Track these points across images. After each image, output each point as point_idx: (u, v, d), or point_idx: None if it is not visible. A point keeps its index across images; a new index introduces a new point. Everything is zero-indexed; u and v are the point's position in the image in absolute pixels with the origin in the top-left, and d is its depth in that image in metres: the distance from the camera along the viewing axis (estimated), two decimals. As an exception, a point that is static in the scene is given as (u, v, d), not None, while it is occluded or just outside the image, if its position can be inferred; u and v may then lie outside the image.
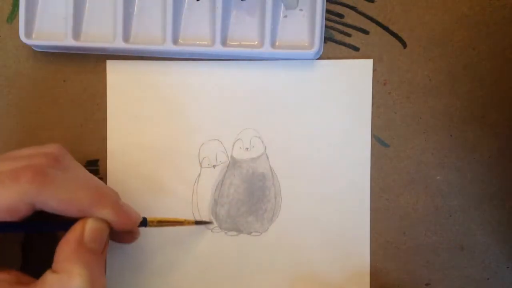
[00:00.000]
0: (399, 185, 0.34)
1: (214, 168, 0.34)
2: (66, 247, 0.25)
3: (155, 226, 0.30)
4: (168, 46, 0.32)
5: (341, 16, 0.34)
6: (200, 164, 0.34)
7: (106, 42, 0.33)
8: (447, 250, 0.34)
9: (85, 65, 0.34)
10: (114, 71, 0.34)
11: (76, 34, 0.33)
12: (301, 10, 0.33)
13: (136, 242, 0.33)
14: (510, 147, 0.33)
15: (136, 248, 0.34)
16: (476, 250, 0.34)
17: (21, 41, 0.32)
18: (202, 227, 0.34)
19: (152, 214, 0.33)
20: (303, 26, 0.33)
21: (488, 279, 0.34)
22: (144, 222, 0.30)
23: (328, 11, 0.33)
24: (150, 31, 0.33)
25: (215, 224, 0.34)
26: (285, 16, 0.33)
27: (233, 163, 0.34)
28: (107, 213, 0.27)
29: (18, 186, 0.24)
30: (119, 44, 0.32)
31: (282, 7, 0.33)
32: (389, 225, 0.34)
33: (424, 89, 0.33)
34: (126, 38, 0.33)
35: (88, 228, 0.26)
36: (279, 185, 0.34)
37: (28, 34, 0.33)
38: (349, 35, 0.34)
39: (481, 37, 0.33)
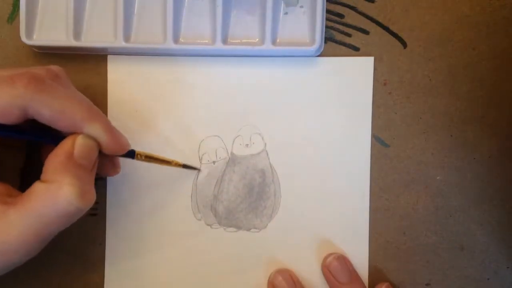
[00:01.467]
0: (399, 185, 0.34)
1: (214, 164, 0.34)
2: (56, 159, 0.25)
3: (142, 160, 0.30)
4: (169, 45, 0.32)
5: (341, 16, 0.34)
6: (200, 160, 0.34)
7: (107, 42, 0.33)
8: (447, 250, 0.34)
9: (86, 64, 0.34)
10: (115, 66, 0.34)
11: (77, 34, 0.33)
12: (301, 7, 0.33)
13: (135, 239, 0.33)
14: (510, 147, 0.33)
15: (134, 246, 0.34)
16: (476, 250, 0.34)
17: (22, 41, 0.32)
18: (195, 221, 0.34)
19: (152, 212, 0.33)
20: (304, 23, 0.33)
21: (488, 279, 0.34)
22: (132, 154, 0.30)
23: (328, 11, 0.33)
24: (151, 30, 0.33)
25: (201, 171, 0.34)
26: (286, 13, 0.33)
27: (233, 160, 0.34)
28: (98, 131, 0.26)
29: (12, 89, 0.24)
30: (120, 43, 0.33)
31: (283, 4, 0.33)
32: (389, 225, 0.34)
33: (424, 89, 0.33)
34: (127, 38, 0.33)
35: (78, 143, 0.26)
36: (279, 182, 0.34)
37: (29, 35, 0.33)
38: (349, 35, 0.34)
39: (481, 37, 0.33)
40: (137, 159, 0.30)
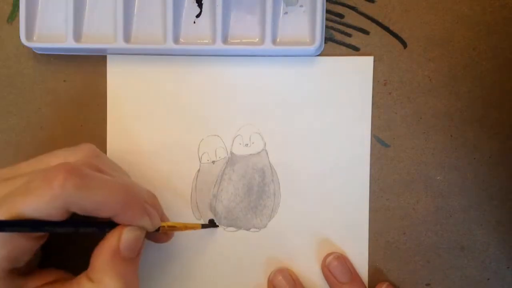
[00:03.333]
0: (399, 185, 0.34)
1: (214, 163, 0.34)
2: (102, 257, 0.25)
3: (166, 230, 0.30)
4: (169, 46, 0.32)
5: (341, 16, 0.34)
6: (200, 159, 0.34)
7: (107, 43, 0.33)
8: (447, 250, 0.34)
9: (85, 65, 0.34)
10: (115, 66, 0.34)
11: (77, 35, 0.33)
12: (301, 6, 0.33)
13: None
14: (510, 147, 0.33)
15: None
16: (476, 250, 0.34)
17: (21, 41, 0.32)
18: (196, 220, 0.34)
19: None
20: (304, 22, 0.33)
21: (488, 279, 0.34)
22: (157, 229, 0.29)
23: (328, 11, 0.33)
24: (151, 31, 0.33)
25: (220, 227, 0.34)
26: (286, 13, 0.33)
27: (233, 159, 0.34)
28: (144, 222, 0.26)
29: (50, 190, 0.23)
30: (120, 44, 0.32)
31: (283, 4, 0.33)
32: (389, 225, 0.34)
33: (424, 89, 0.33)
34: (126, 38, 0.33)
35: (124, 238, 0.25)
36: (279, 182, 0.34)
37: (29, 37, 0.33)
38: (349, 35, 0.34)
39: (481, 37, 0.33)
40: (161, 230, 0.29)
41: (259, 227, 0.34)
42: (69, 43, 0.33)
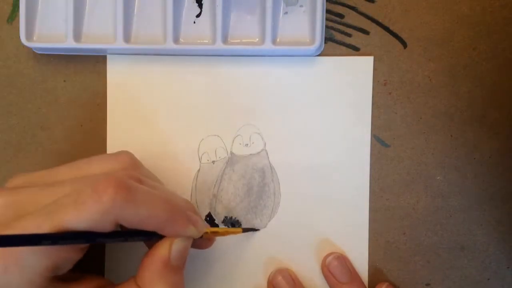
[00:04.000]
0: (399, 185, 0.34)
1: (214, 163, 0.34)
2: (153, 267, 0.25)
3: (209, 236, 0.30)
4: (169, 46, 0.32)
5: (341, 16, 0.34)
6: (200, 159, 0.34)
7: (107, 43, 0.33)
8: (448, 250, 0.34)
9: (85, 65, 0.34)
10: (115, 66, 0.34)
11: (77, 35, 0.33)
12: (301, 6, 0.33)
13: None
14: (510, 147, 0.33)
15: (134, 245, 0.34)
16: (476, 250, 0.34)
17: (21, 41, 0.32)
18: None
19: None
20: (304, 22, 0.33)
21: (488, 279, 0.34)
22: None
23: (328, 11, 0.33)
24: (151, 31, 0.33)
25: (258, 230, 0.34)
26: (286, 13, 0.33)
27: (233, 159, 0.34)
28: (192, 232, 0.26)
29: (99, 204, 0.23)
30: (120, 44, 0.32)
31: (282, 4, 0.33)
32: (389, 225, 0.34)
33: (424, 89, 0.33)
34: (126, 38, 0.33)
35: (175, 248, 0.26)
36: (278, 182, 0.34)
37: (29, 37, 0.33)
38: (349, 35, 0.34)
39: (481, 37, 0.33)
40: (205, 236, 0.29)
41: (259, 227, 0.34)
42: (69, 43, 0.33)
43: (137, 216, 0.24)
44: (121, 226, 0.25)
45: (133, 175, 0.26)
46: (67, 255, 0.24)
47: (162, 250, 0.25)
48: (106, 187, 0.23)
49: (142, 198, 0.24)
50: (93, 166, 0.27)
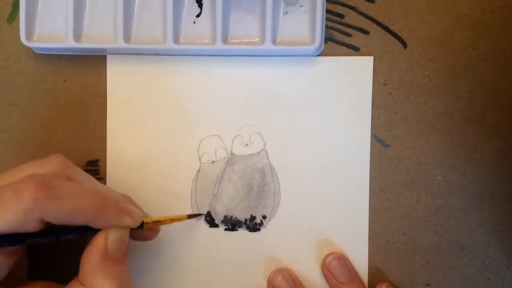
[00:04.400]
0: (399, 185, 0.34)
1: (214, 163, 0.34)
2: (91, 260, 0.25)
3: (151, 226, 0.30)
4: (169, 45, 0.32)
5: (341, 16, 0.34)
6: (200, 159, 0.34)
7: (107, 43, 0.33)
8: (448, 250, 0.34)
9: (85, 65, 0.34)
10: (115, 66, 0.34)
11: (77, 35, 0.33)
12: (301, 6, 0.33)
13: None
14: (510, 147, 0.33)
15: (134, 245, 0.34)
16: (476, 250, 0.34)
17: (21, 41, 0.32)
18: (195, 221, 0.34)
19: (151, 211, 0.33)
20: (304, 22, 0.33)
21: (488, 279, 0.34)
22: (141, 225, 0.29)
23: (328, 11, 0.33)
24: (151, 31, 0.33)
25: (203, 214, 0.34)
26: (286, 13, 0.33)
27: (233, 159, 0.34)
28: (126, 221, 0.26)
29: (21, 203, 0.23)
30: (120, 44, 0.32)
31: (283, 4, 0.33)
32: (389, 225, 0.34)
33: (424, 89, 0.33)
34: (126, 38, 0.33)
35: (111, 239, 0.26)
36: (278, 182, 0.34)
37: (29, 37, 0.33)
38: (349, 35, 0.34)
39: (481, 37, 0.33)
40: (146, 226, 0.29)
41: (259, 227, 0.34)
42: (69, 43, 0.33)
43: (62, 210, 0.24)
44: (52, 224, 0.25)
45: (61, 174, 0.26)
46: None
47: (98, 242, 0.25)
48: (27, 186, 0.23)
49: (66, 193, 0.24)
50: (23, 171, 0.26)
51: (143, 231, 0.29)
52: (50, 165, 0.27)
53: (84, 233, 0.26)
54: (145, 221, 0.29)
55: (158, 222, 0.31)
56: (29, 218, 0.23)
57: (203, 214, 0.34)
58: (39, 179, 0.24)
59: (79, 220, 0.25)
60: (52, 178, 0.24)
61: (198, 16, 0.34)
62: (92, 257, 0.25)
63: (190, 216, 0.33)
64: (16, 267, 0.28)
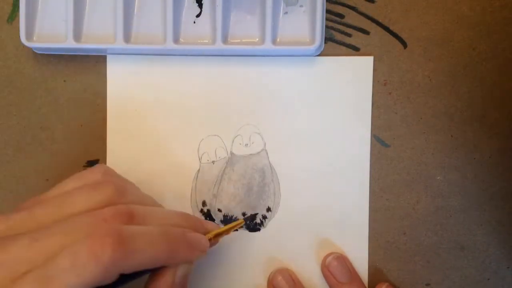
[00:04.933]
0: (399, 185, 0.34)
1: (213, 163, 0.34)
2: None
3: (214, 240, 0.29)
4: (169, 45, 0.32)
5: (341, 16, 0.34)
6: (200, 159, 0.34)
7: (107, 43, 0.33)
8: (448, 250, 0.34)
9: (85, 65, 0.34)
10: (115, 66, 0.34)
11: (77, 35, 0.33)
12: (301, 6, 0.33)
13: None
14: (510, 147, 0.33)
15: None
16: (477, 250, 0.34)
17: (21, 41, 0.32)
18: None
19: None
20: (304, 22, 0.33)
21: (488, 279, 0.34)
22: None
23: (328, 11, 0.33)
24: (151, 31, 0.33)
25: (257, 213, 0.34)
26: (286, 13, 0.33)
27: (233, 159, 0.34)
28: (189, 257, 0.26)
29: (100, 266, 0.22)
30: (120, 44, 0.32)
31: (283, 4, 0.33)
32: (389, 225, 0.34)
33: (425, 89, 0.33)
34: (126, 38, 0.33)
35: (179, 274, 0.26)
36: (278, 182, 0.34)
37: (29, 37, 0.33)
38: (349, 35, 0.34)
39: (481, 37, 0.33)
40: (210, 241, 0.29)
41: (259, 227, 0.34)
42: (69, 43, 0.33)
43: (139, 264, 0.24)
44: None
45: (122, 211, 0.25)
46: None
47: (167, 277, 0.25)
48: (103, 245, 0.22)
49: (140, 245, 0.24)
50: (76, 203, 0.25)
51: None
52: (105, 193, 0.26)
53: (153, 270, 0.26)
54: (206, 237, 0.28)
55: (219, 235, 0.30)
56: (107, 276, 0.23)
57: (257, 214, 0.34)
58: (113, 234, 0.23)
59: (154, 267, 0.25)
60: (123, 228, 0.23)
61: (198, 16, 0.34)
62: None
63: (246, 219, 0.33)
64: None
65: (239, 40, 0.33)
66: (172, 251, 0.25)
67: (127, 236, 0.23)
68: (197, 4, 0.34)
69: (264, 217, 0.34)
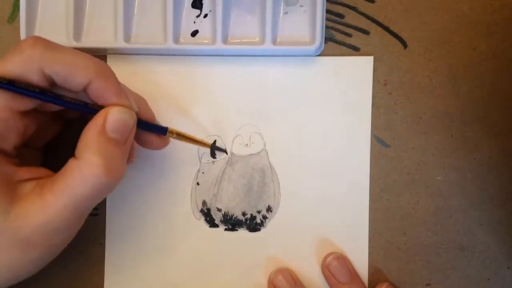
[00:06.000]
0: (399, 185, 0.34)
1: (214, 163, 0.34)
2: (87, 134, 0.25)
3: (173, 137, 0.31)
4: (169, 45, 0.32)
5: (341, 16, 0.34)
6: (200, 159, 0.34)
7: (107, 43, 0.33)
8: (448, 250, 0.34)
9: (86, 65, 0.34)
10: (115, 66, 0.34)
11: (77, 35, 0.33)
12: (301, 6, 0.33)
13: (135, 240, 0.33)
14: (510, 147, 0.33)
15: (134, 246, 0.34)
16: (477, 250, 0.34)
17: (22, 41, 0.32)
18: (195, 221, 0.34)
19: (151, 211, 0.33)
20: (304, 22, 0.33)
21: (488, 279, 0.34)
22: (164, 130, 0.30)
23: (328, 11, 0.33)
24: (151, 31, 0.33)
25: (228, 155, 0.34)
26: (286, 13, 0.33)
27: (233, 159, 0.34)
28: (116, 93, 0.26)
29: (21, 55, 0.24)
30: (120, 44, 0.33)
31: (283, 4, 0.33)
32: (390, 225, 0.34)
33: (425, 89, 0.33)
34: (127, 38, 0.33)
35: (111, 118, 0.26)
36: (278, 182, 0.34)
37: (29, 36, 0.33)
38: (349, 35, 0.34)
39: (481, 37, 0.33)
40: (169, 135, 0.30)
41: (259, 227, 0.34)
42: (69, 43, 0.33)
43: (61, 62, 0.25)
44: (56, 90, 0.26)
45: (41, 38, 0.26)
46: (4, 116, 0.25)
47: (97, 119, 0.26)
48: (26, 40, 0.25)
49: (65, 50, 0.25)
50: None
51: (156, 136, 0.30)
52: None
53: (86, 108, 0.26)
54: (169, 129, 0.30)
55: (181, 136, 0.31)
56: (29, 67, 0.24)
57: (226, 153, 0.34)
58: (37, 36, 0.25)
59: (78, 77, 0.25)
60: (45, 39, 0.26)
61: (198, 16, 0.34)
62: (89, 131, 0.25)
63: (213, 147, 0.33)
64: (31, 157, 0.29)
65: (239, 40, 0.33)
66: (100, 71, 0.26)
67: (51, 41, 0.25)
68: (197, 4, 0.34)
69: (264, 217, 0.34)
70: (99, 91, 0.26)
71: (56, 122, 0.31)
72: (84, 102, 0.27)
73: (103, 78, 0.26)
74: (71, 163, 0.25)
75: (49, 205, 0.25)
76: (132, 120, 0.27)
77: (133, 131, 0.27)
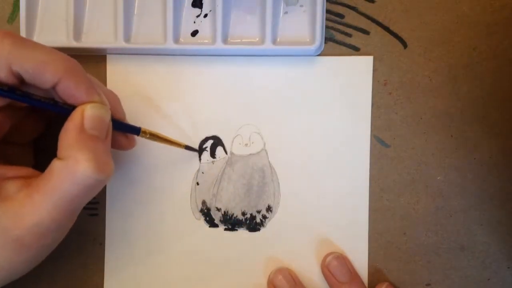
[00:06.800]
0: (399, 186, 0.34)
1: (214, 163, 0.34)
2: (68, 134, 0.25)
3: (147, 137, 0.30)
4: (169, 45, 0.32)
5: (341, 16, 0.34)
6: (200, 159, 0.34)
7: (107, 43, 0.33)
8: (448, 250, 0.34)
9: (85, 65, 0.34)
10: (115, 66, 0.34)
11: (77, 35, 0.33)
12: (301, 6, 0.33)
13: (135, 239, 0.33)
14: (510, 147, 0.33)
15: (134, 246, 0.34)
16: (477, 250, 0.34)
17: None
18: (195, 221, 0.34)
19: (151, 211, 0.33)
20: (304, 22, 0.33)
21: (488, 279, 0.34)
22: (137, 130, 0.30)
23: (328, 11, 0.33)
24: (151, 31, 0.33)
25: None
26: (286, 13, 0.33)
27: (232, 159, 0.34)
28: (87, 90, 0.26)
29: None
30: (120, 44, 0.33)
31: (283, 4, 0.33)
32: (390, 225, 0.34)
33: (425, 89, 0.33)
34: (127, 38, 0.33)
35: (88, 114, 0.25)
36: (278, 182, 0.34)
37: (30, 37, 0.33)
38: (349, 35, 0.34)
39: (481, 37, 0.33)
40: (142, 136, 0.30)
41: (258, 226, 0.34)
42: (69, 43, 0.33)
43: (30, 59, 0.24)
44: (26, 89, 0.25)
45: (11, 32, 0.26)
46: None
47: (75, 117, 0.25)
48: None
49: (36, 46, 0.25)
50: None
51: (123, 136, 0.29)
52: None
53: (56, 107, 0.26)
54: (142, 129, 0.30)
55: (155, 136, 0.31)
56: None
57: (197, 151, 0.34)
58: (9, 31, 0.24)
59: (47, 74, 0.25)
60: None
61: (198, 16, 0.34)
62: (69, 130, 0.25)
63: (187, 147, 0.33)
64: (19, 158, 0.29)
65: (239, 40, 0.33)
66: (70, 70, 0.25)
67: (20, 36, 0.25)
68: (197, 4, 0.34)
69: (264, 217, 0.34)
70: (68, 89, 0.25)
71: (40, 118, 0.31)
72: (54, 100, 0.26)
73: (73, 76, 0.25)
74: (57, 164, 0.25)
75: (39, 206, 0.24)
76: (107, 115, 0.27)
77: (110, 125, 0.27)
